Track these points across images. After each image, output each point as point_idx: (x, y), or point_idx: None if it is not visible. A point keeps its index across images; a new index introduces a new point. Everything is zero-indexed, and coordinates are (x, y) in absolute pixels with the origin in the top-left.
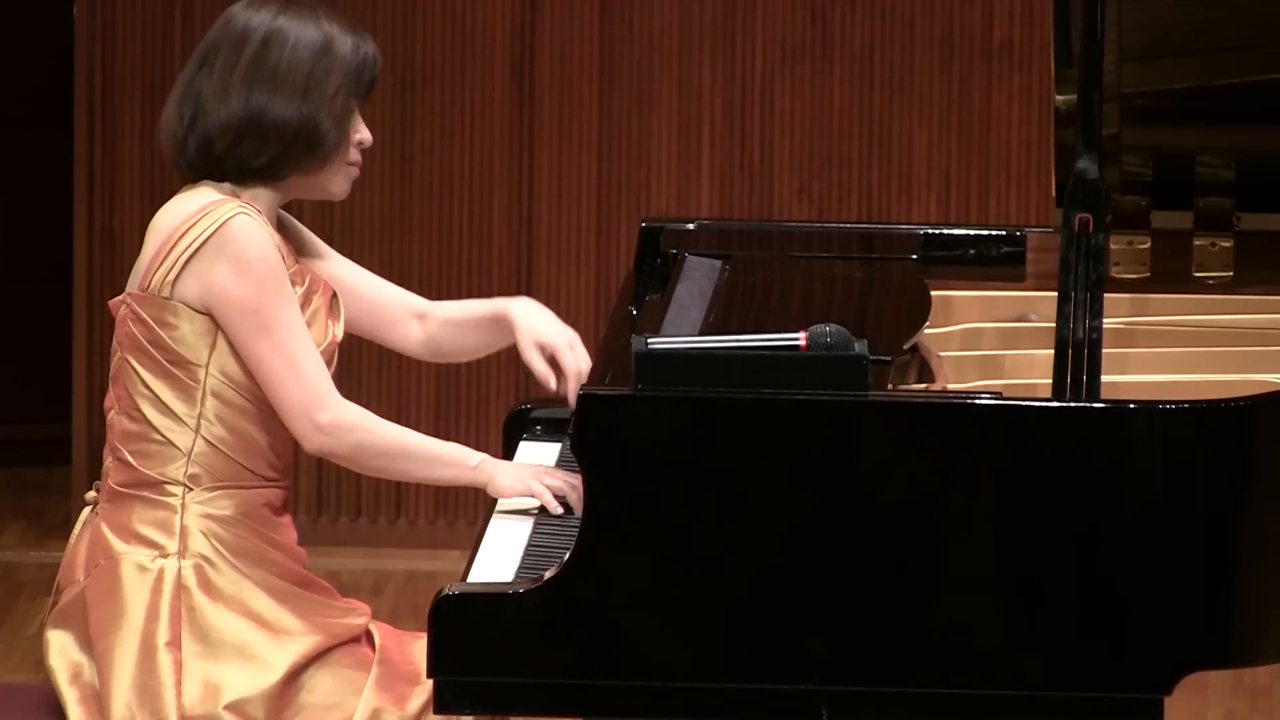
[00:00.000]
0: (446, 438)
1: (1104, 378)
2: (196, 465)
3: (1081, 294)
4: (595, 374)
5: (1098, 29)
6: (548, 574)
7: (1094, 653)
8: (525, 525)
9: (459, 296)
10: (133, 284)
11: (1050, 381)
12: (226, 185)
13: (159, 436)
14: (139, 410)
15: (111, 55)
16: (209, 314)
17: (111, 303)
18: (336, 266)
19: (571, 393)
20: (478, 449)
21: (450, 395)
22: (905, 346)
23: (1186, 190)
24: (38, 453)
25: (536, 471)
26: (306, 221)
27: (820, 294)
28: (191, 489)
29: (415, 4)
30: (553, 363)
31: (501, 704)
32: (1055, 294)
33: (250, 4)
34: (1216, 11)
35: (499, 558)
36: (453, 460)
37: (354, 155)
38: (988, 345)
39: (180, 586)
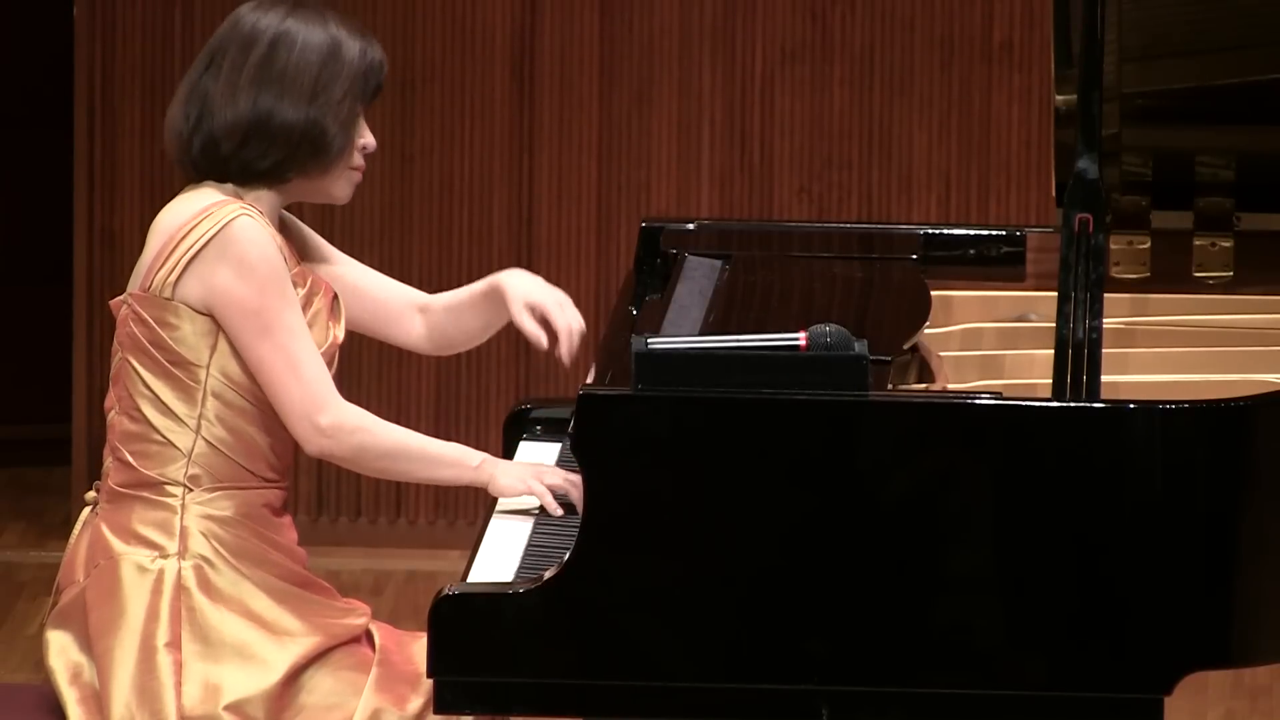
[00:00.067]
0: (446, 438)
1: (1104, 378)
2: (197, 466)
3: (1081, 294)
4: (595, 374)
5: (1098, 29)
6: (548, 574)
7: (1094, 653)
8: (525, 525)
9: None
10: (134, 284)
11: (1050, 381)
12: (229, 186)
13: (159, 437)
14: (139, 411)
15: (111, 55)
16: (210, 315)
17: (113, 303)
18: (339, 265)
19: (564, 350)
20: (478, 449)
21: (450, 395)
22: (905, 346)
23: (1186, 190)
24: (38, 453)
25: (537, 471)
26: (307, 222)
27: (820, 294)
28: (191, 489)
29: (415, 4)
30: (545, 326)
31: (501, 704)
32: (1055, 294)
33: (258, 6)
34: (1216, 11)
35: (499, 558)
36: (454, 460)
37: (358, 160)
38: (988, 345)
39: (180, 587)
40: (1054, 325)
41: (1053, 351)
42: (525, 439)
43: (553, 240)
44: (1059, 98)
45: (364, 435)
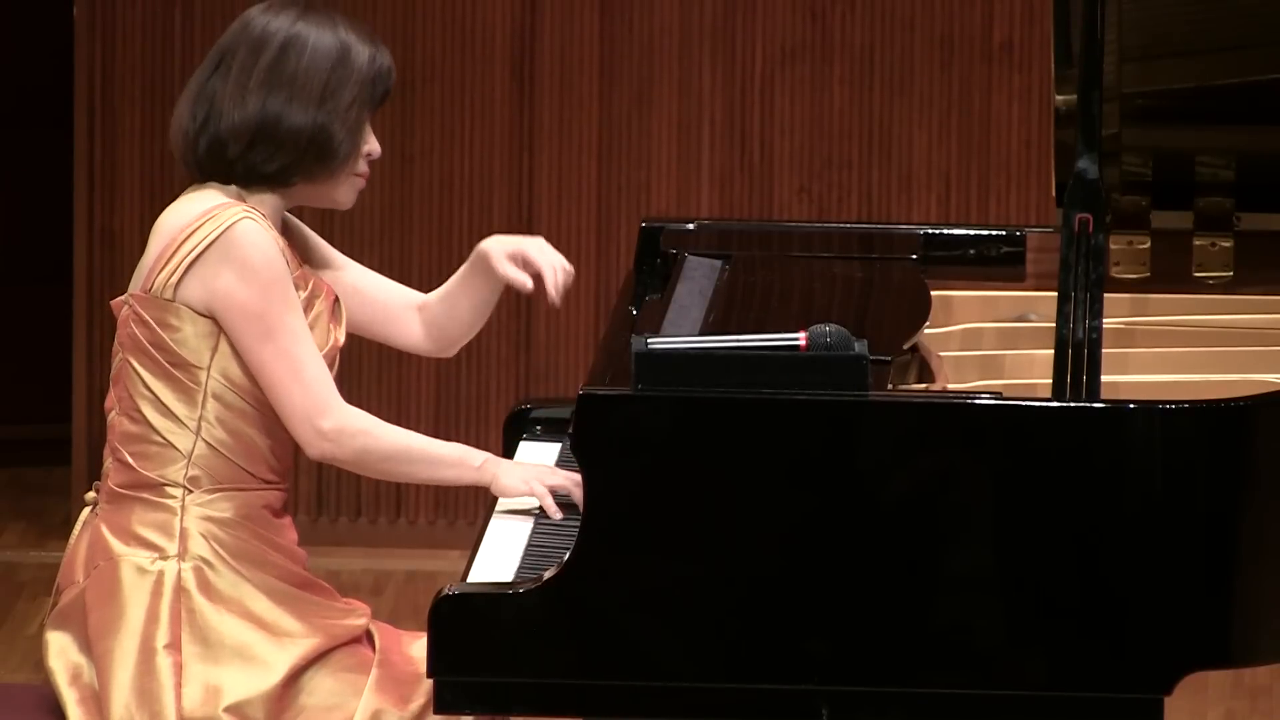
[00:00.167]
0: (447, 438)
1: (1104, 378)
2: (196, 467)
3: (1081, 294)
4: (595, 374)
5: (1098, 29)
6: (548, 574)
7: (1094, 653)
8: (525, 525)
9: None
10: (135, 284)
11: (1050, 381)
12: (233, 188)
13: (159, 438)
14: (140, 412)
15: (111, 55)
16: (212, 317)
17: (114, 303)
18: (340, 268)
19: (549, 285)
20: (478, 449)
21: (450, 395)
22: (905, 346)
23: (1186, 190)
24: (38, 453)
25: (540, 472)
26: (307, 222)
27: (820, 294)
28: (191, 491)
29: (415, 4)
30: (536, 287)
31: (501, 704)
32: (1055, 294)
33: (269, 8)
34: (1216, 11)
35: (499, 558)
36: (456, 461)
37: (362, 166)
38: (988, 345)
39: (180, 589)
40: (1054, 325)
41: (1053, 351)
42: (525, 439)
43: (553, 240)
44: (1059, 98)
45: (366, 438)
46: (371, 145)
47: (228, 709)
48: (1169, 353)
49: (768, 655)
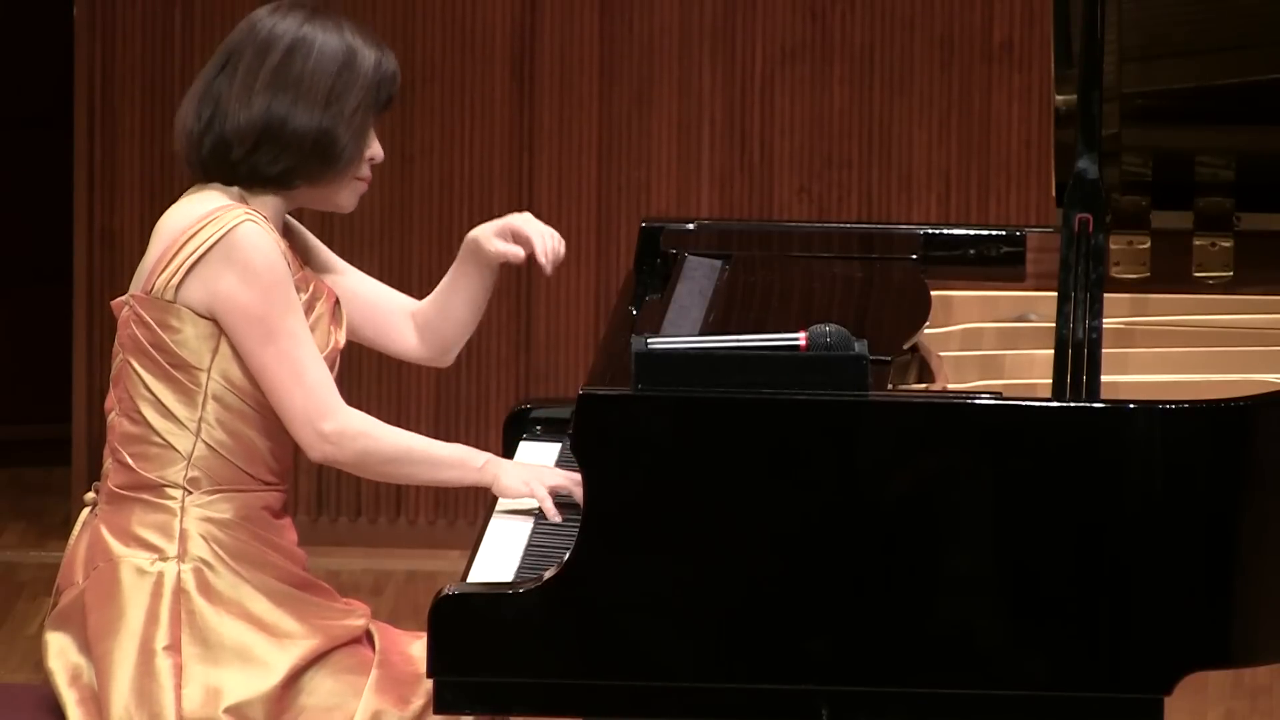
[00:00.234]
0: (447, 439)
1: (1104, 378)
2: (196, 469)
3: (1081, 294)
4: (595, 374)
5: (1098, 29)
6: (548, 574)
7: (1094, 653)
8: (525, 525)
9: None
10: (136, 285)
11: (1050, 381)
12: (235, 190)
13: (159, 439)
14: (140, 413)
15: (111, 55)
16: (213, 319)
17: (114, 303)
18: (339, 273)
19: (539, 252)
20: (478, 449)
21: (450, 395)
22: (905, 346)
23: (1186, 190)
24: (38, 453)
25: (540, 472)
26: (306, 222)
27: (820, 294)
28: (191, 492)
29: (415, 4)
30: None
31: (501, 704)
32: (1055, 294)
33: (276, 10)
34: (1216, 11)
35: (499, 558)
36: (457, 462)
37: (365, 171)
38: (988, 345)
39: (180, 590)
40: (1054, 325)
41: (1053, 351)
42: (525, 439)
43: None
44: (1059, 98)
45: (367, 441)
46: (374, 150)
47: (228, 710)
48: (1169, 353)
49: (768, 655)
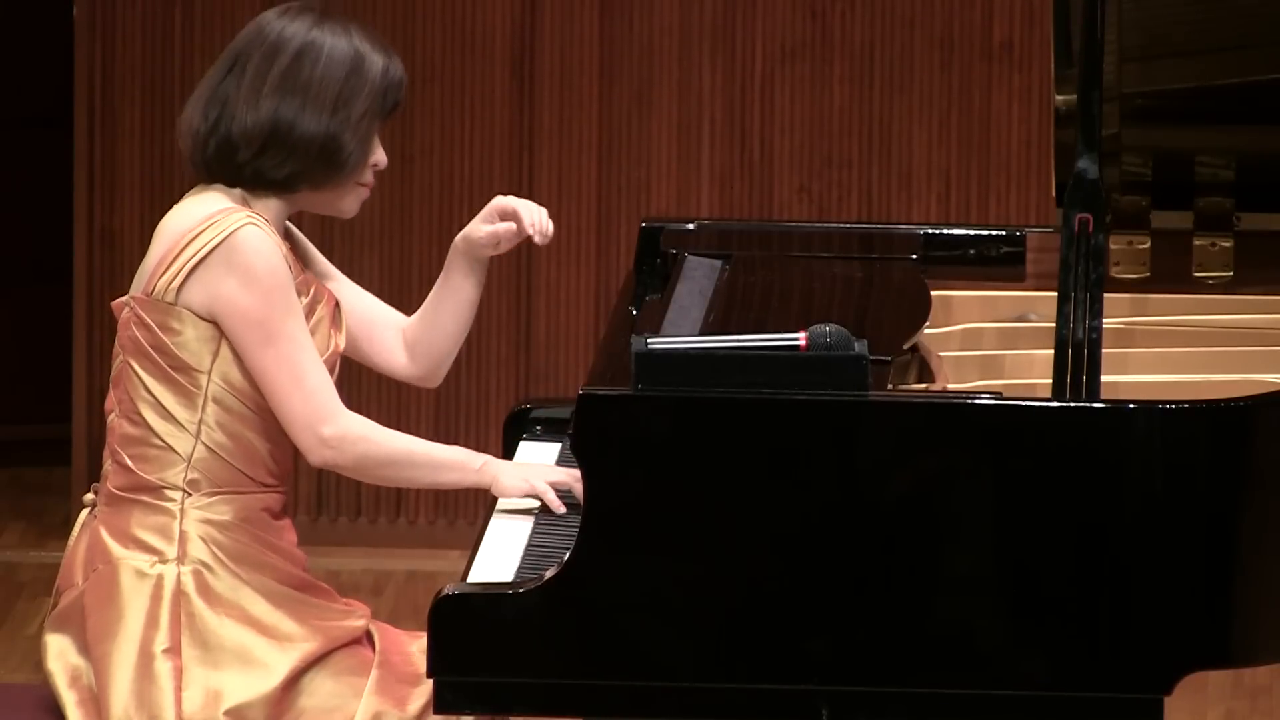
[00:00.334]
0: (447, 439)
1: (1104, 378)
2: (196, 471)
3: (1081, 294)
4: (595, 374)
5: (1098, 29)
6: (548, 574)
7: (1094, 653)
8: (525, 525)
9: None
10: (137, 286)
11: (1050, 381)
12: (238, 192)
13: (159, 441)
14: (140, 414)
15: (111, 55)
16: (214, 321)
17: (114, 304)
18: (335, 282)
19: (527, 224)
20: (478, 449)
21: (450, 395)
22: (905, 346)
23: (1186, 190)
24: (38, 453)
25: (540, 471)
26: (307, 223)
27: (820, 294)
28: (191, 494)
29: (415, 4)
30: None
31: (501, 704)
32: (1055, 294)
33: (284, 13)
34: (1216, 11)
35: (499, 558)
36: (457, 464)
37: (368, 177)
38: (988, 345)
39: (179, 592)
40: (1054, 325)
41: (1053, 351)
42: (525, 439)
43: (553, 240)
44: (1059, 98)
45: (367, 445)
46: (378, 156)
47: (228, 712)
48: (1169, 353)
49: (768, 655)
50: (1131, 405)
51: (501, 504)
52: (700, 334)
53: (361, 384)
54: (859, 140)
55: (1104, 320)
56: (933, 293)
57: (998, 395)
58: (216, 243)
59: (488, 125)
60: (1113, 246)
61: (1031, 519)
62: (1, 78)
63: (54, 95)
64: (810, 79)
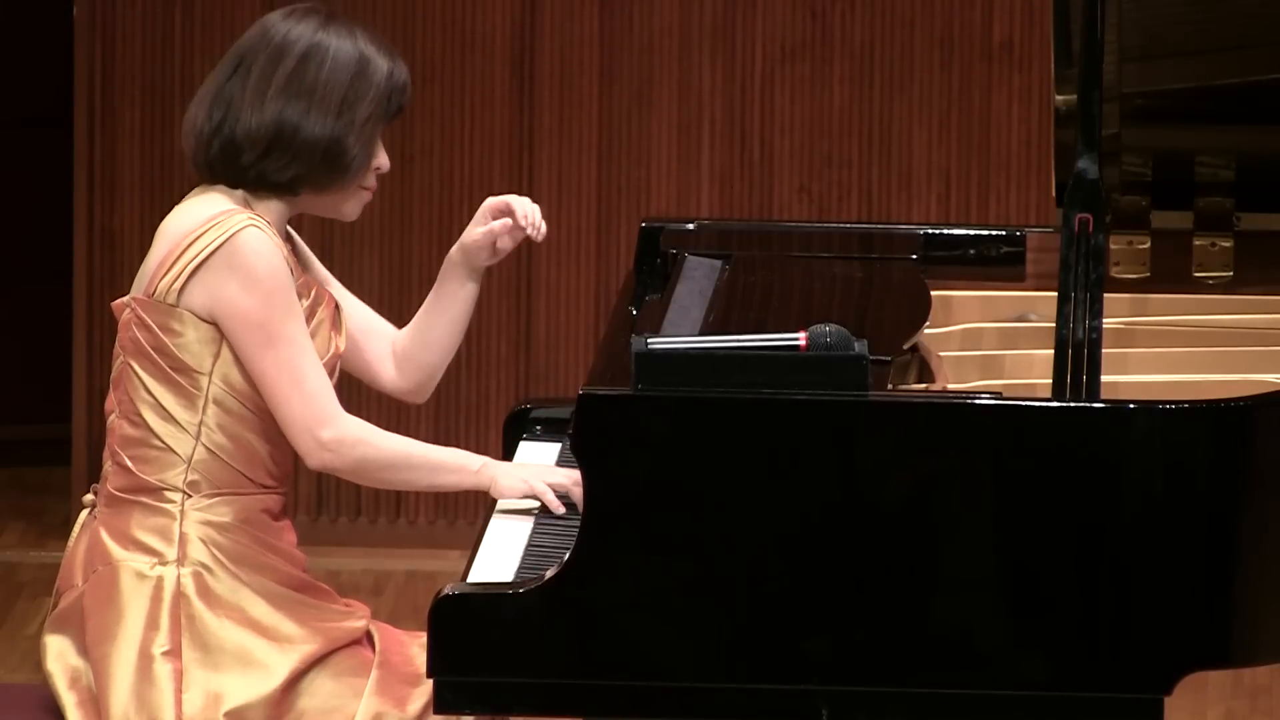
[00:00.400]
0: (447, 439)
1: (1104, 378)
2: (196, 472)
3: (1081, 294)
4: (595, 374)
5: (1098, 29)
6: (548, 574)
7: (1094, 653)
8: (525, 525)
9: None
10: (138, 287)
11: (1050, 381)
12: (240, 194)
13: (159, 442)
14: (140, 415)
15: (111, 55)
16: (215, 323)
17: (115, 304)
18: (332, 289)
19: (520, 216)
20: (478, 450)
21: (450, 395)
22: (905, 346)
23: (1186, 190)
24: (38, 453)
25: (539, 472)
26: (308, 224)
27: (820, 294)
28: (191, 496)
29: (415, 4)
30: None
31: (501, 704)
32: (1055, 294)
33: (290, 15)
34: (1216, 11)
35: (499, 558)
36: (455, 466)
37: (370, 180)
38: (988, 345)
39: (179, 595)
40: (1054, 325)
41: (1053, 351)
42: (525, 439)
43: (553, 240)
44: (1059, 98)
45: (365, 448)
46: (381, 160)
47: (228, 714)
48: (1169, 353)
49: (768, 655)
50: (1131, 405)
51: (501, 504)
52: (700, 334)
53: (361, 385)
54: (859, 140)
55: (1104, 320)
56: (933, 293)
57: (998, 395)
58: (218, 244)
59: (488, 125)
60: (1113, 246)
61: (1031, 519)
62: (1, 78)
63: (54, 95)
64: (810, 79)
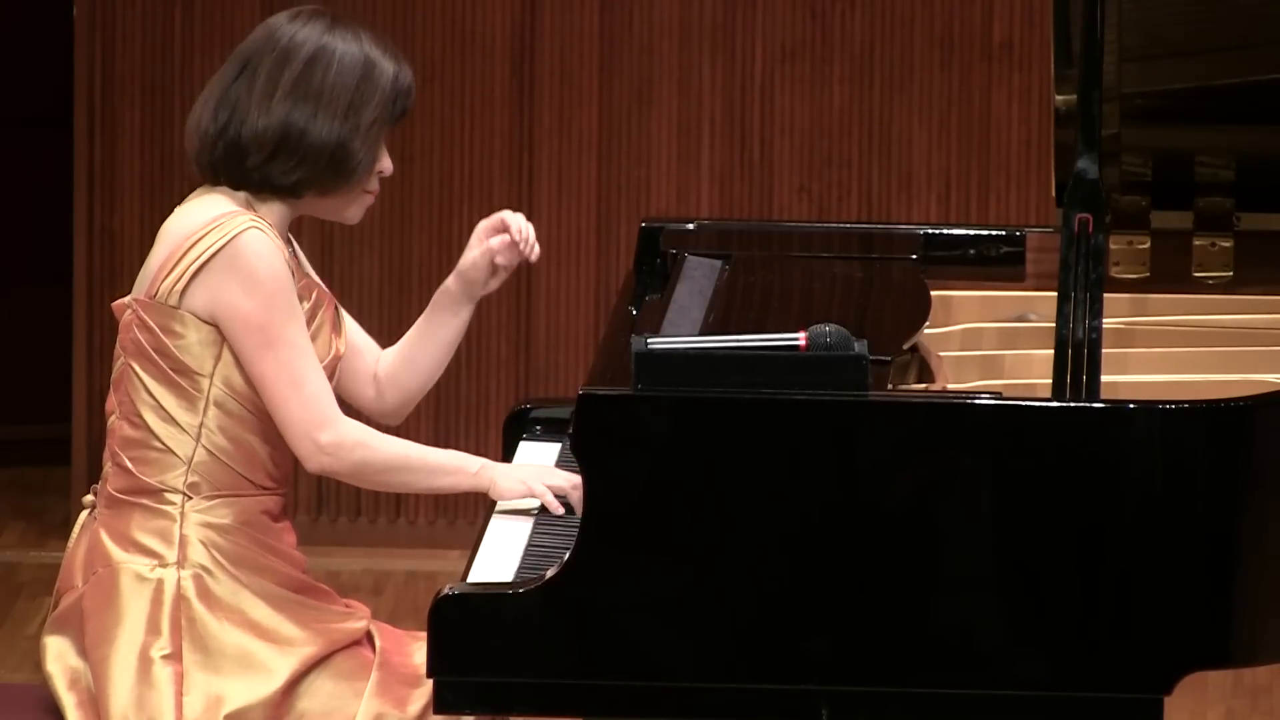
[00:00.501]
0: (446, 439)
1: (1104, 378)
2: (196, 474)
3: (1081, 294)
4: (595, 374)
5: (1098, 29)
6: (548, 574)
7: (1094, 653)
8: (525, 525)
9: None
10: (139, 288)
11: (1050, 381)
12: (242, 195)
13: (159, 444)
14: (140, 417)
15: (111, 55)
16: (216, 325)
17: (115, 305)
18: None
19: (513, 229)
20: (477, 450)
21: (450, 396)
22: (905, 346)
23: (1186, 190)
24: (38, 453)
25: (537, 473)
26: (306, 221)
27: (820, 294)
28: (191, 497)
29: (415, 4)
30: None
31: (501, 704)
32: (1055, 294)
33: (296, 18)
34: (1216, 11)
35: (499, 558)
36: (454, 468)
37: (373, 184)
38: (988, 345)
39: (180, 597)
40: (1054, 325)
41: (1053, 351)
42: (525, 439)
43: (553, 240)
44: (1059, 98)
45: (364, 451)
46: (384, 163)
47: (229, 716)
48: (1169, 353)
49: (768, 655)
50: (1131, 405)
51: (501, 504)
52: (700, 334)
53: None
54: (859, 140)
55: (1104, 320)
56: (933, 293)
57: (998, 395)
58: (219, 246)
59: (488, 125)
60: (1113, 246)
61: (1031, 519)
62: (1, 78)
63: (54, 95)
64: (810, 79)
